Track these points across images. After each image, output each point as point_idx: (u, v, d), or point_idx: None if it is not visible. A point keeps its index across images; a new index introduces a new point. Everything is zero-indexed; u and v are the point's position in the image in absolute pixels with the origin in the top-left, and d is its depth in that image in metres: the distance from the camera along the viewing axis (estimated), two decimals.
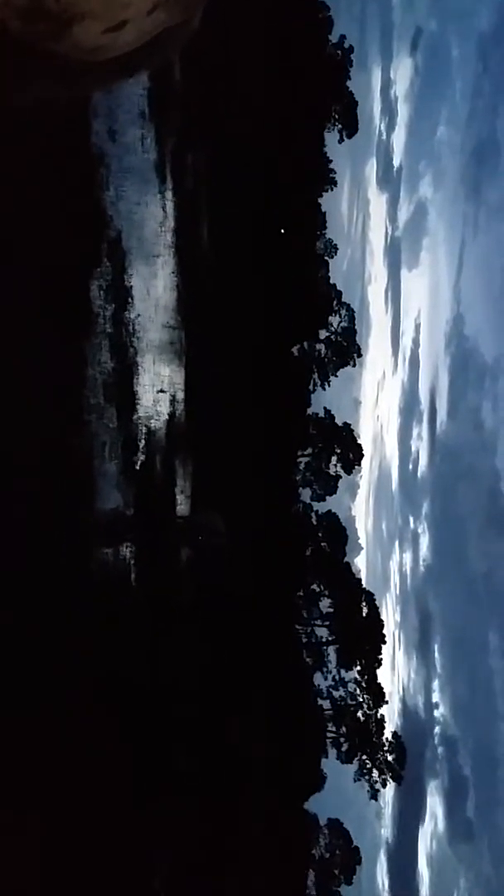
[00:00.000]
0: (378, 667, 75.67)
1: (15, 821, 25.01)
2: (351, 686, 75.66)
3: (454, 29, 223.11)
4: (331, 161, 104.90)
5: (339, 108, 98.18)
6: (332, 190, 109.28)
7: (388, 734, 75.05)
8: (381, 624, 77.17)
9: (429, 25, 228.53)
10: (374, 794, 76.17)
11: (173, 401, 50.58)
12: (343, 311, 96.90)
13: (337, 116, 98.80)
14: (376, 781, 74.39)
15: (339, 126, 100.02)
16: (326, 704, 75.80)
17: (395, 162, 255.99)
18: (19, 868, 25.27)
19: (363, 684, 74.63)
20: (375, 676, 75.29)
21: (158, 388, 48.22)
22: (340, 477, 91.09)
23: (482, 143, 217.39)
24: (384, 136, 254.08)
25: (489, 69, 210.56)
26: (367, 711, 74.57)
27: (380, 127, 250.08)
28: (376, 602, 78.48)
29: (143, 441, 45.45)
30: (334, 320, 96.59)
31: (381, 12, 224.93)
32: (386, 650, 78.17)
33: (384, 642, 76.76)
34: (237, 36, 53.99)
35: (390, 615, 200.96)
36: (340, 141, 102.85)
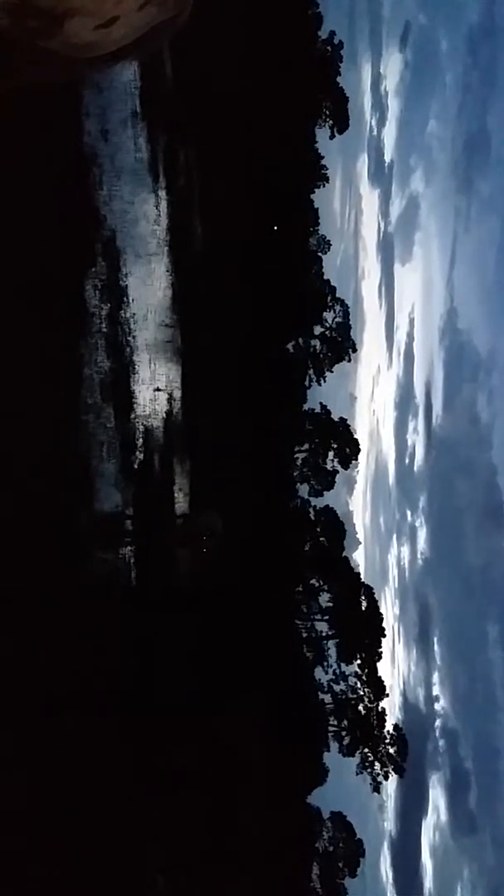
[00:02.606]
0: (378, 660, 75.80)
1: (13, 818, 25.16)
2: (351, 680, 75.78)
3: (443, 23, 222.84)
4: (322, 157, 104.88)
5: (329, 104, 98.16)
6: (324, 186, 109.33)
7: (389, 727, 75.21)
8: (380, 617, 77.31)
9: (418, 20, 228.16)
10: (377, 787, 76.40)
11: (170, 399, 50.69)
12: (337, 307, 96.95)
13: (328, 112, 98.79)
14: (378, 774, 74.57)
15: (330, 122, 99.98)
16: (327, 698, 75.91)
17: (387, 157, 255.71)
18: (16, 865, 25.42)
19: (363, 678, 74.76)
20: (376, 670, 75.43)
21: (155, 386, 48.34)
22: (337, 472, 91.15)
23: (473, 137, 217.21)
24: (375, 132, 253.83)
25: (478, 62, 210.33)
26: (368, 705, 74.73)
27: (370, 122, 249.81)
28: (375, 596, 78.58)
29: (140, 440, 45.57)
30: (328, 316, 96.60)
31: (371, 7, 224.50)
32: (385, 643, 78.35)
33: (384, 636, 76.90)
34: (227, 35, 54.06)
35: (389, 609, 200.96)
36: (332, 137, 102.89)
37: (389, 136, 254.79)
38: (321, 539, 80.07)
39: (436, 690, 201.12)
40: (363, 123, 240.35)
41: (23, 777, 25.85)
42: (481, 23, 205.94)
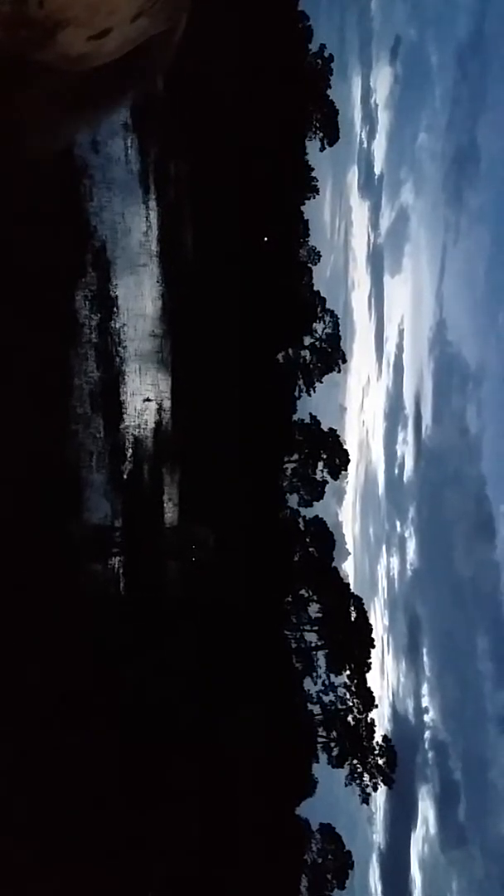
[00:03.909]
0: (367, 671, 75.82)
1: (10, 828, 25.03)
2: (340, 690, 75.80)
3: (433, 37, 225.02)
4: (312, 169, 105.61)
5: (319, 116, 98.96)
6: (314, 198, 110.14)
7: (378, 738, 75.21)
8: (369, 628, 77.36)
9: (408, 34, 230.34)
10: (366, 798, 76.33)
11: (160, 409, 50.67)
12: (327, 318, 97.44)
13: (318, 125, 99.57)
14: (367, 785, 74.51)
15: (321, 134, 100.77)
16: (316, 709, 75.89)
17: (377, 169, 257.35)
18: (15, 876, 25.27)
19: (353, 689, 74.75)
20: (365, 681, 75.44)
21: (145, 396, 48.31)
22: (327, 482, 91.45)
23: (462, 150, 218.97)
24: (365, 144, 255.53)
25: (468, 76, 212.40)
26: (357, 716, 74.70)
27: (360, 135, 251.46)
28: (364, 606, 78.71)
29: (130, 450, 45.48)
30: (318, 327, 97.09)
31: (361, 21, 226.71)
32: (375, 654, 78.43)
33: (373, 646, 76.95)
34: (218, 46, 54.38)
35: (378, 619, 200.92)
36: (322, 149, 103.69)
37: (379, 148, 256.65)
38: (310, 549, 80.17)
39: (425, 702, 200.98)
40: (353, 136, 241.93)
41: (16, 790, 25.72)
42: (470, 37, 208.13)
